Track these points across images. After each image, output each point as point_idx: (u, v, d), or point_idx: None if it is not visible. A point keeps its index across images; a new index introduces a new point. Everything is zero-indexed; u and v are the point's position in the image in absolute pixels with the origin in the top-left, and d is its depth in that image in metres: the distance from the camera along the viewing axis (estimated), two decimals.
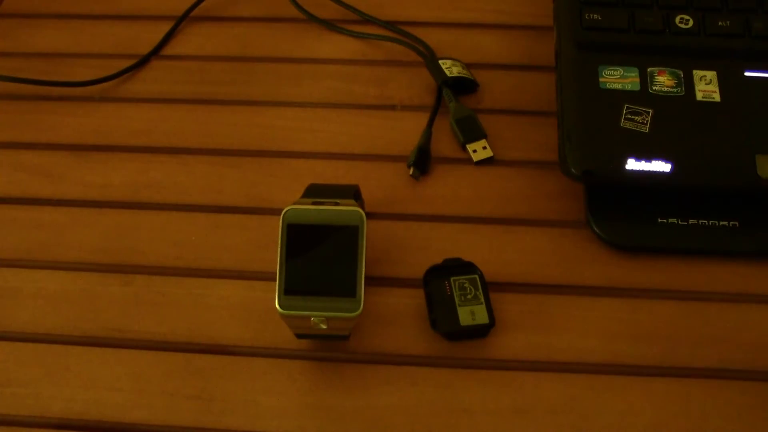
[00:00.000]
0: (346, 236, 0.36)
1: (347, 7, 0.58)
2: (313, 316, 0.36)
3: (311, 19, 0.58)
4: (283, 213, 0.37)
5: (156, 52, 0.57)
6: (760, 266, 0.44)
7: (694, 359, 0.41)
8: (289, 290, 0.36)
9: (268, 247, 0.46)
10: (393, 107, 0.53)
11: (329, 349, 0.42)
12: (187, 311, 0.44)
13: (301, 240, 0.36)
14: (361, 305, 0.35)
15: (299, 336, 0.40)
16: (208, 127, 0.52)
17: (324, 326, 0.37)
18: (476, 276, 0.42)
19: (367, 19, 0.58)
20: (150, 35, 0.58)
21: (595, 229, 0.45)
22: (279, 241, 0.36)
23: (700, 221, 0.45)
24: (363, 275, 0.36)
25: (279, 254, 0.36)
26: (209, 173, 0.50)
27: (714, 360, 0.41)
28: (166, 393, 0.41)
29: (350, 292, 0.35)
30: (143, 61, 0.56)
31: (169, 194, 0.49)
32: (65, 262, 0.46)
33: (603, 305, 0.43)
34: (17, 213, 0.49)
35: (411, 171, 0.49)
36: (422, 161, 0.49)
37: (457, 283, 0.42)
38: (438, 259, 0.44)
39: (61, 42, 0.58)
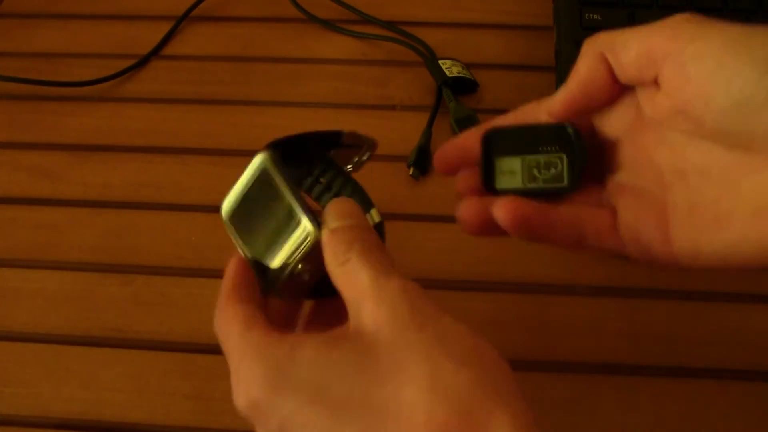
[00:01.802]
0: (265, 185, 0.32)
1: (347, 7, 0.58)
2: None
3: (311, 19, 0.58)
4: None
5: (156, 52, 0.57)
6: None
7: (694, 359, 0.41)
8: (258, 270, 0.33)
9: None
10: (393, 107, 0.53)
11: None
12: (187, 311, 0.44)
13: (242, 218, 0.33)
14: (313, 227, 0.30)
15: None
16: (208, 127, 0.52)
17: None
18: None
19: (367, 19, 0.58)
20: (150, 35, 0.58)
21: None
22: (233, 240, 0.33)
23: None
24: (302, 202, 0.31)
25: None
26: (209, 173, 0.50)
27: (714, 360, 0.41)
28: (165, 393, 0.41)
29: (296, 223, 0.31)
30: (143, 61, 0.56)
31: (169, 194, 0.49)
32: (65, 262, 0.46)
33: (603, 305, 0.43)
34: (17, 213, 0.49)
35: (411, 171, 0.48)
36: (422, 161, 0.49)
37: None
38: (438, 260, 0.44)
39: (61, 42, 0.58)
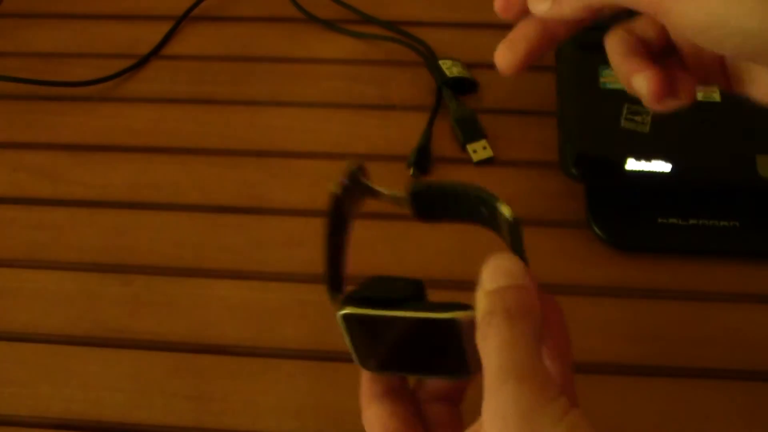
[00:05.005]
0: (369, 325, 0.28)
1: (347, 7, 0.58)
2: None
3: (311, 19, 0.58)
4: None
5: (156, 52, 0.57)
6: (760, 266, 0.44)
7: (694, 359, 0.41)
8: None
9: (268, 247, 0.46)
10: (393, 107, 0.53)
11: (329, 349, 0.42)
12: (187, 311, 0.44)
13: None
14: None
15: None
16: (208, 127, 0.52)
17: None
18: None
19: (367, 19, 0.58)
20: (150, 35, 0.58)
21: (596, 229, 0.45)
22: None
23: (701, 221, 0.45)
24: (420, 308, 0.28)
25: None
26: (209, 173, 0.50)
27: (714, 360, 0.41)
28: (166, 393, 0.41)
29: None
30: (143, 61, 0.56)
31: (169, 194, 0.49)
32: (65, 262, 0.46)
33: (603, 305, 0.43)
34: (17, 213, 0.49)
35: (411, 171, 0.48)
36: (422, 161, 0.49)
37: None
38: (440, 260, 0.44)
39: (61, 42, 0.58)
